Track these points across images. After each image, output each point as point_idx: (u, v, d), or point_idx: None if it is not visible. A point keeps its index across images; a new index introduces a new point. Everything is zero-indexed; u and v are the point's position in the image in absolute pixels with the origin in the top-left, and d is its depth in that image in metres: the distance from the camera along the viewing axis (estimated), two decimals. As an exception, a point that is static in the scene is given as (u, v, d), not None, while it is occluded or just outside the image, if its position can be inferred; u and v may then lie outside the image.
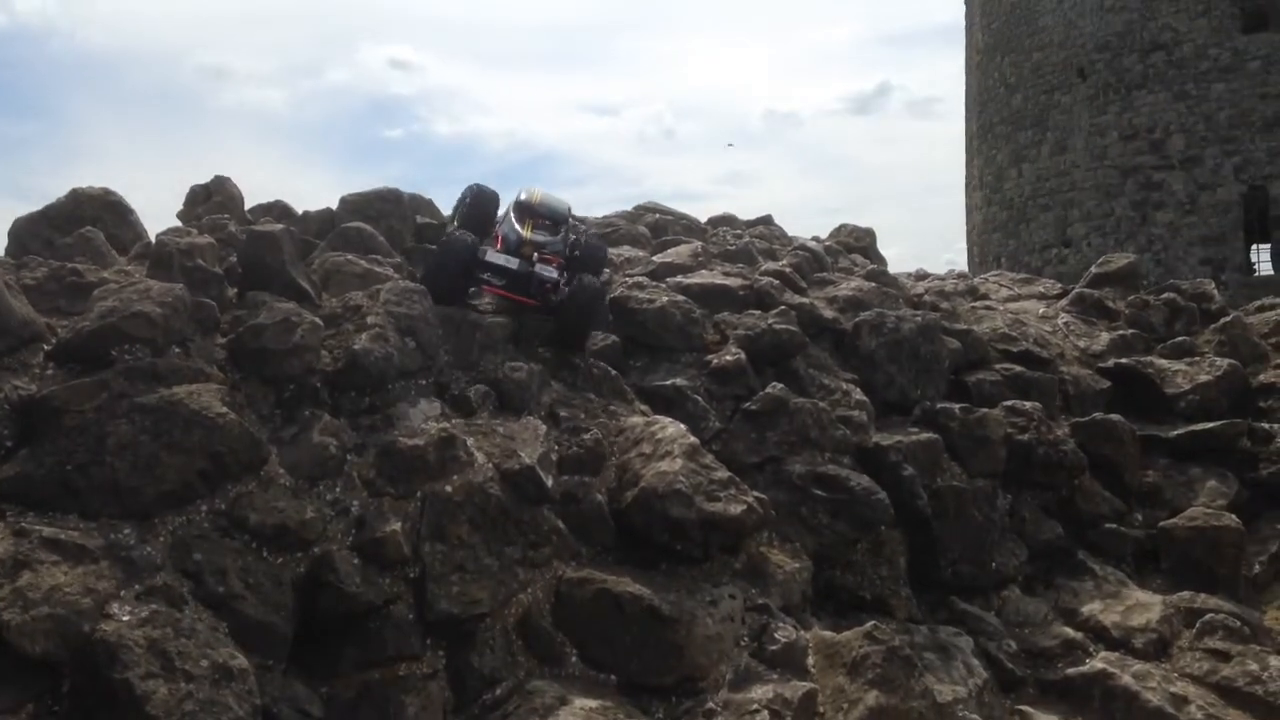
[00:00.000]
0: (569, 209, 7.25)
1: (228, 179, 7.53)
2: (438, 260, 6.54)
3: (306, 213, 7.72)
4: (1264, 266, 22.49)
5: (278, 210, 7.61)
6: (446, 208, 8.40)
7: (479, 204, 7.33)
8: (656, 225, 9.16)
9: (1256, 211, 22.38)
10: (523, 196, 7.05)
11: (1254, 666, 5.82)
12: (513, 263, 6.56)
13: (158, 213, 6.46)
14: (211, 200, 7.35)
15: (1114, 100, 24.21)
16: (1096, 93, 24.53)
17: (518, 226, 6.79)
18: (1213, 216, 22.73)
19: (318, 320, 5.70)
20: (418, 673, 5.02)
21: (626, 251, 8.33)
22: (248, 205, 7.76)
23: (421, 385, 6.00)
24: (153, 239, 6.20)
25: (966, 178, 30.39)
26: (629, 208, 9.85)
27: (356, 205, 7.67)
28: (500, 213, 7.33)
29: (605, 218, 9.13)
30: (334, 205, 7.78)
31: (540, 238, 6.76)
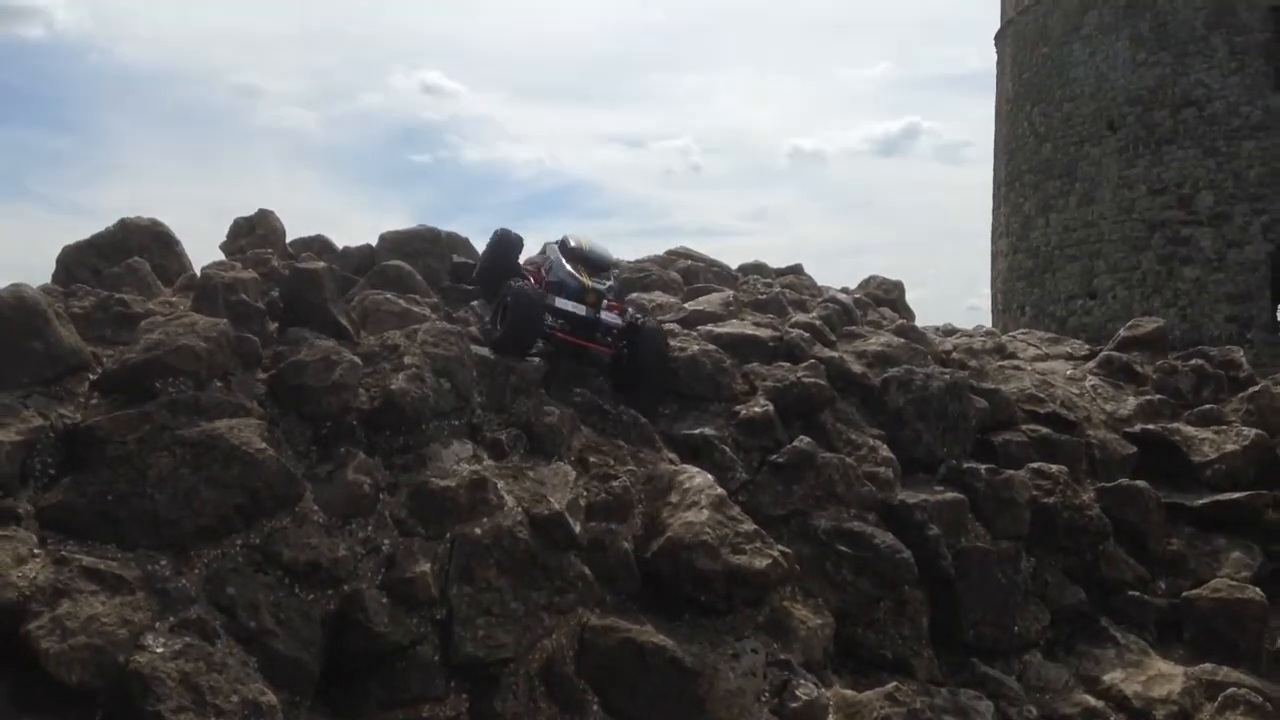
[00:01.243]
0: (613, 257, 7.56)
1: (271, 212, 7.66)
2: (520, 315, 6.58)
3: (346, 249, 7.84)
4: (1240, 357, 22.33)
5: (318, 245, 7.73)
6: (479, 241, 8.53)
7: (504, 246, 7.63)
8: (688, 271, 9.25)
9: None
10: (572, 244, 7.28)
11: (1276, 744, 5.80)
12: (581, 309, 6.81)
13: (191, 231, 6.55)
14: (254, 233, 7.48)
15: (1143, 154, 24.22)
16: (1126, 145, 24.56)
17: (574, 272, 7.00)
18: (1240, 274, 22.66)
19: (356, 359, 5.79)
20: (441, 715, 5.08)
21: (658, 298, 8.41)
22: (288, 237, 7.89)
23: (455, 426, 6.08)
24: (197, 271, 6.32)
25: (993, 225, 30.40)
26: (659, 251, 9.96)
27: (395, 243, 7.79)
28: (540, 255, 7.58)
29: (638, 262, 9.22)
30: (365, 229, 8.06)
31: (601, 285, 6.99)
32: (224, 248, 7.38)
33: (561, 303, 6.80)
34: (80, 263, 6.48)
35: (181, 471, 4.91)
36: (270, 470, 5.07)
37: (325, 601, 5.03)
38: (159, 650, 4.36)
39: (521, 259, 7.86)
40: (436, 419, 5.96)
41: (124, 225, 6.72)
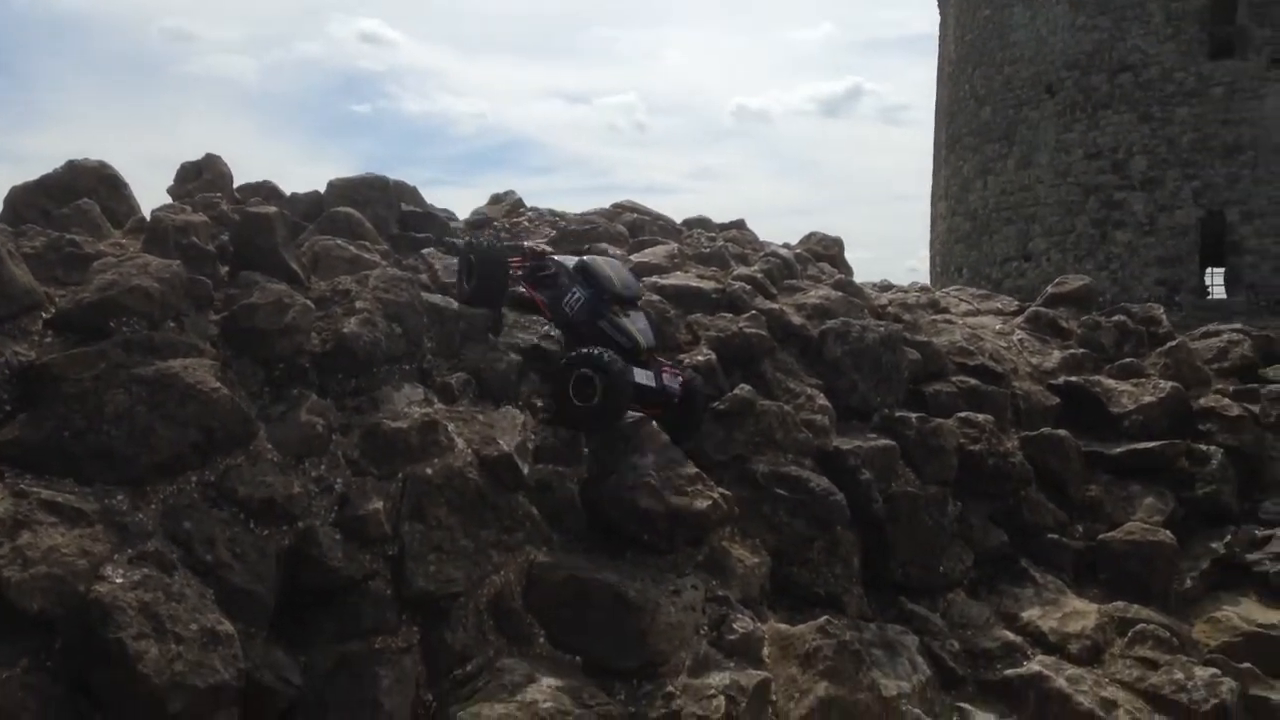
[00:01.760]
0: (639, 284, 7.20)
1: (218, 157, 7.66)
2: (612, 398, 6.04)
3: (295, 195, 7.88)
4: (1217, 290, 23.02)
5: (266, 190, 7.76)
6: (427, 192, 8.61)
7: (494, 265, 6.88)
8: (634, 225, 9.41)
9: (1213, 236, 22.92)
10: (605, 277, 6.69)
11: (1180, 676, 6.19)
12: (651, 379, 6.39)
13: (129, 178, 6.53)
14: (201, 178, 7.49)
15: (1080, 118, 24.57)
16: (1064, 110, 24.91)
17: (625, 328, 6.48)
18: (1170, 239, 23.19)
19: (309, 303, 5.90)
20: (393, 646, 5.25)
21: (606, 250, 8.56)
22: (235, 183, 7.90)
23: (406, 371, 6.22)
24: (146, 214, 6.35)
25: (933, 187, 30.75)
26: (605, 203, 10.09)
27: (344, 190, 7.85)
28: (556, 264, 7.04)
29: (584, 215, 9.36)
30: (304, 179, 8.16)
31: (644, 328, 6.63)
32: (171, 192, 7.38)
33: (640, 376, 6.28)
34: (29, 204, 6.46)
35: (138, 409, 4.99)
36: (225, 409, 5.18)
37: (280, 537, 5.17)
38: (118, 580, 4.47)
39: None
40: (387, 363, 6.10)
41: (72, 167, 6.70)
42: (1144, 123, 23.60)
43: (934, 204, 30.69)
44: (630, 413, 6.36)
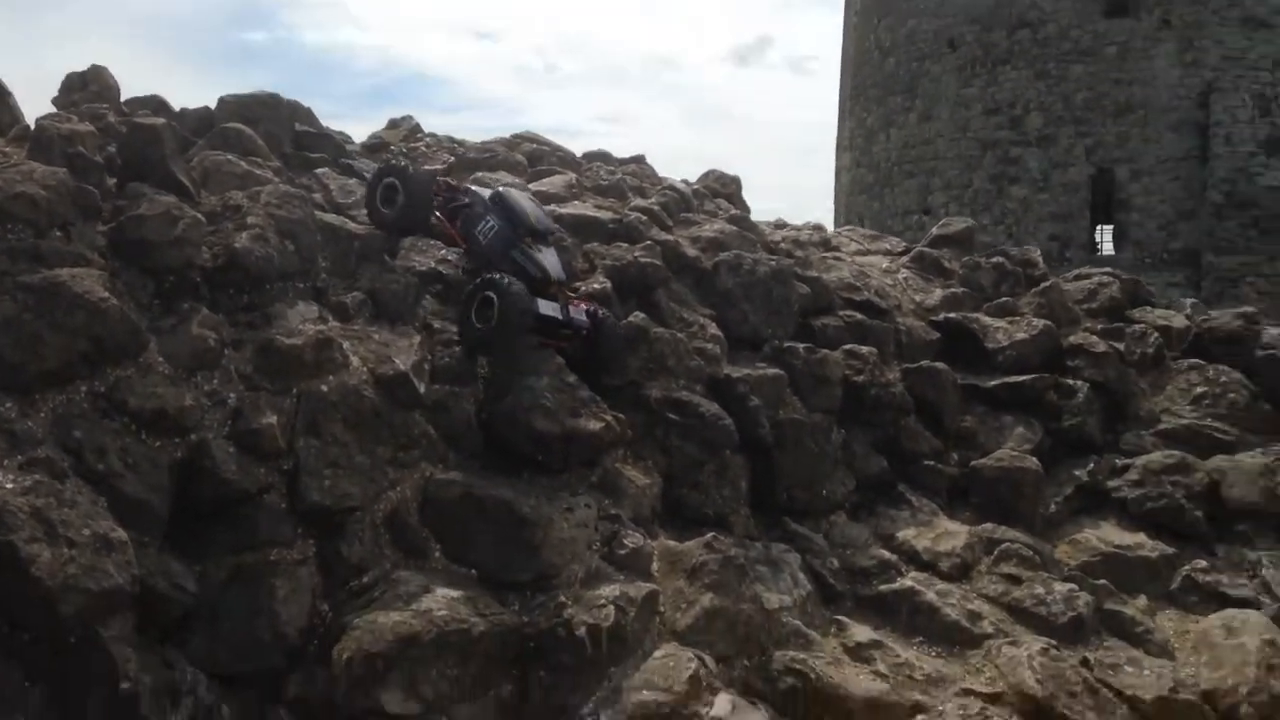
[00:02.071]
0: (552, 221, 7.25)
1: (104, 68, 7.40)
2: (507, 320, 6.15)
3: (184, 110, 7.67)
4: (1106, 246, 23.87)
5: (154, 104, 7.53)
6: (323, 117, 8.48)
7: (423, 191, 6.92)
8: (533, 155, 9.41)
9: (1103, 193, 23.75)
10: (520, 211, 6.77)
11: (1040, 590, 6.61)
12: (557, 310, 6.49)
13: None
14: (88, 89, 7.23)
15: (980, 73, 25.02)
16: (964, 64, 25.32)
17: (533, 258, 6.62)
18: (1063, 195, 23.91)
19: (200, 216, 5.82)
20: (289, 558, 5.31)
21: (504, 178, 8.55)
22: (122, 97, 7.65)
23: (299, 289, 6.20)
24: (31, 123, 6.14)
25: (838, 138, 31.03)
26: (506, 135, 10.05)
27: (235, 108, 7.68)
28: (472, 195, 7.06)
29: (483, 144, 9.32)
30: (196, 106, 7.77)
31: (555, 261, 6.76)
32: (56, 102, 7.12)
33: (544, 307, 6.40)
34: (-99, 108, 6.20)
35: (25, 317, 4.91)
36: (114, 319, 5.12)
37: (172, 449, 5.16)
38: (9, 486, 4.44)
39: None
40: (280, 280, 6.07)
41: (-52, 72, 6.43)
42: (1040, 80, 24.14)
43: (838, 155, 31.00)
44: (542, 344, 6.49)
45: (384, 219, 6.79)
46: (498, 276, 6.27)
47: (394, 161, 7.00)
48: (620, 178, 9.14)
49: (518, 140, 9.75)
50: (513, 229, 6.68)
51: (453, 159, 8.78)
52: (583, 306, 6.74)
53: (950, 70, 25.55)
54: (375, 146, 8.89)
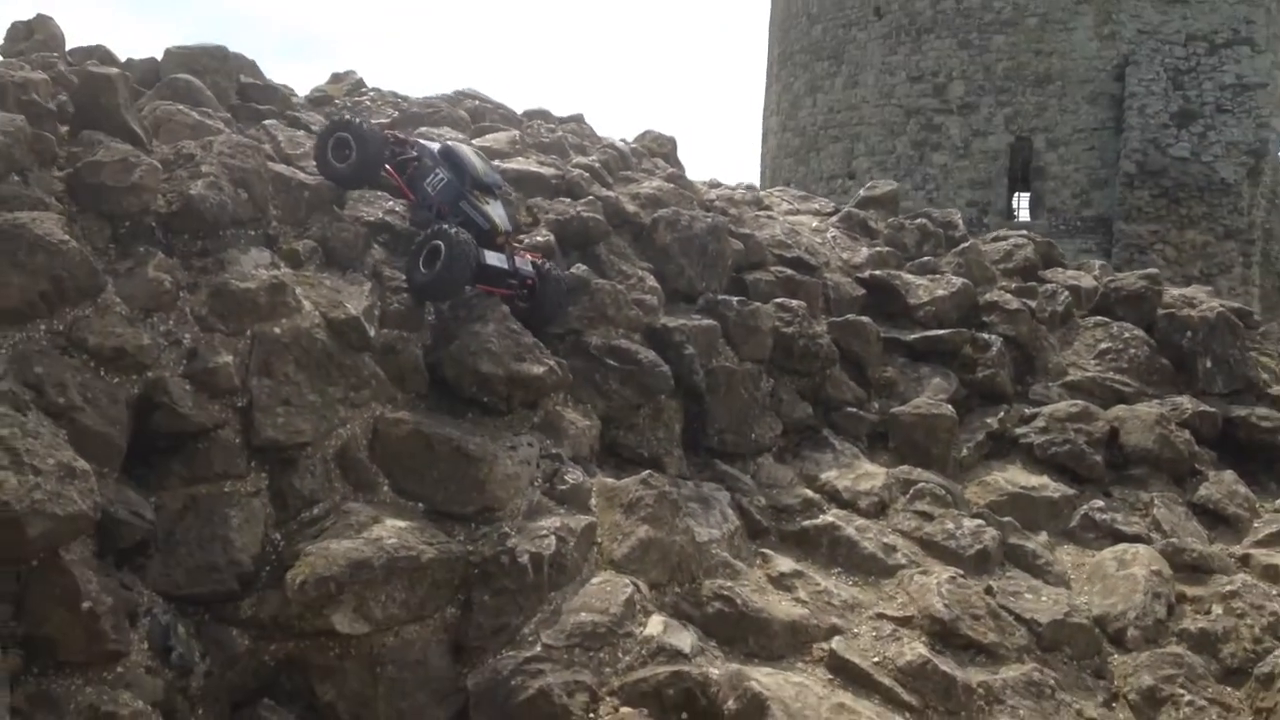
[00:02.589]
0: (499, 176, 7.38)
1: (50, 18, 7.47)
2: (453, 268, 6.37)
3: (130, 60, 7.76)
4: (1023, 213, 24.59)
5: (100, 54, 7.60)
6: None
7: (375, 145, 7.04)
8: (475, 111, 9.63)
9: (1021, 161, 24.40)
10: (468, 164, 6.97)
11: (950, 526, 7.09)
12: (502, 261, 6.74)
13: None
14: (33, 38, 7.31)
15: (905, 41, 25.47)
16: (890, 32, 25.75)
17: (480, 208, 6.84)
18: (982, 162, 24.53)
19: (155, 163, 5.99)
20: (242, 490, 5.58)
21: (447, 133, 8.78)
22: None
23: (251, 235, 6.40)
24: (-20, 69, 6.24)
25: (765, 102, 31.37)
26: (448, 92, 10.23)
27: (182, 59, 7.79)
28: (420, 149, 7.23)
29: (426, 99, 9.51)
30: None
31: (503, 213, 6.99)
32: (3, 51, 7.20)
33: (490, 257, 6.63)
34: None
35: (-14, 257, 5.07)
36: (74, 260, 5.30)
37: (130, 385, 5.37)
38: (-27, 418, 4.63)
39: None
40: (234, 227, 6.26)
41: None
42: (963, 49, 24.64)
43: (766, 119, 31.27)
44: (487, 293, 6.74)
45: (336, 172, 6.97)
46: (446, 227, 6.50)
47: (344, 116, 7.16)
48: (561, 135, 9.41)
49: (460, 96, 9.95)
50: (461, 182, 6.88)
51: (397, 113, 8.98)
52: (528, 258, 6.97)
53: (876, 38, 25.94)
54: (320, 100, 9.04)
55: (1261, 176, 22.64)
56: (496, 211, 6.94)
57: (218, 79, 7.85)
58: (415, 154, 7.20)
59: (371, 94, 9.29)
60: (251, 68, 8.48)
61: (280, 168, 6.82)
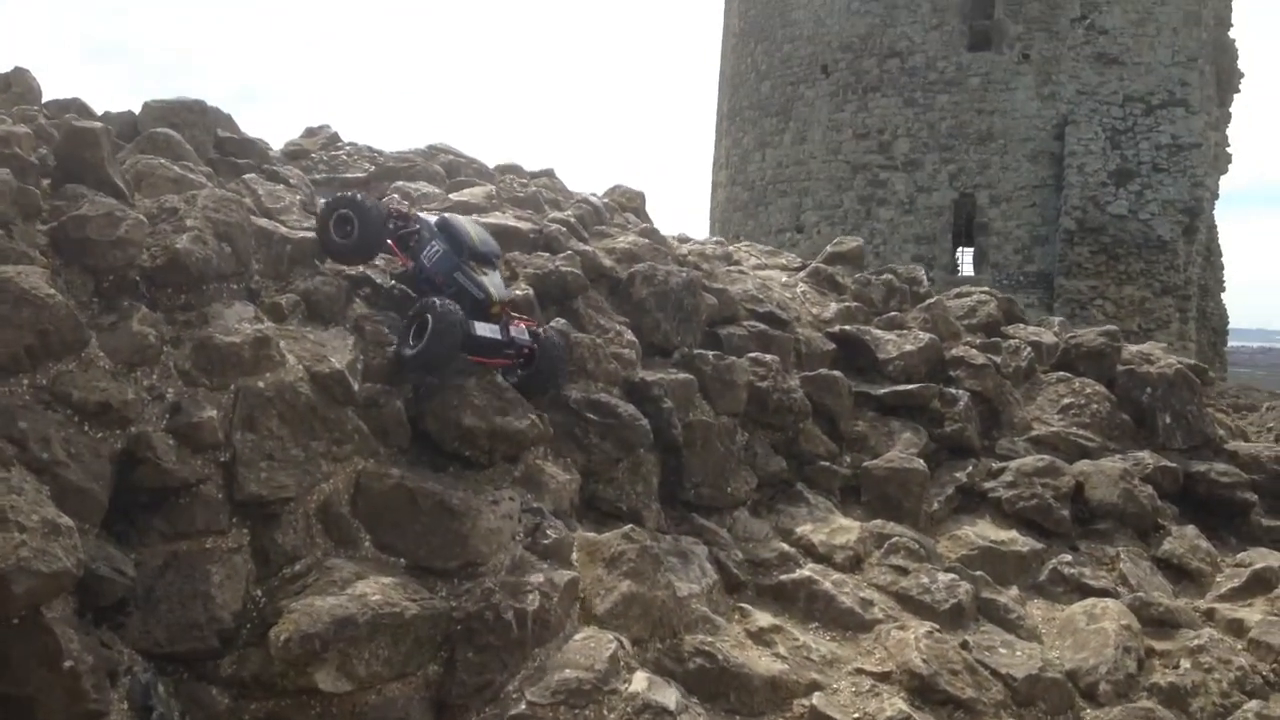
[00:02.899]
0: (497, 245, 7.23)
1: (27, 70, 7.47)
2: (439, 341, 6.29)
3: (107, 113, 7.78)
4: (966, 268, 25.17)
5: (76, 107, 7.61)
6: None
7: (374, 219, 6.95)
8: (450, 165, 9.71)
9: (965, 217, 24.98)
10: (464, 236, 6.89)
11: (925, 580, 7.18)
12: (495, 332, 6.62)
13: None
14: (10, 90, 7.30)
15: (851, 99, 26.10)
16: (837, 90, 26.37)
17: (475, 279, 6.74)
18: (927, 218, 25.10)
19: (142, 218, 5.99)
20: (223, 546, 5.52)
21: (423, 187, 8.85)
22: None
23: (234, 289, 6.40)
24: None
25: (714, 157, 31.84)
26: (421, 146, 10.32)
27: (160, 112, 7.81)
28: (421, 222, 7.13)
29: (400, 153, 9.59)
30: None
31: (504, 290, 6.91)
32: (-19, 102, 7.18)
33: (480, 329, 6.53)
34: None
35: (-30, 311, 5.03)
36: (60, 314, 5.26)
37: (114, 440, 5.32)
38: (-43, 474, 4.57)
39: None
40: (217, 281, 6.25)
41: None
42: (909, 107, 25.29)
43: (715, 173, 31.74)
44: (482, 364, 6.65)
45: (338, 248, 6.89)
46: (434, 299, 6.44)
47: (347, 194, 7.06)
48: (535, 190, 9.51)
49: (434, 151, 10.04)
50: (457, 253, 6.80)
51: (373, 168, 9.04)
52: (523, 325, 6.87)
53: (824, 95, 26.55)
54: (295, 154, 9.09)
55: (1196, 234, 23.31)
56: (493, 281, 6.85)
57: (195, 132, 7.87)
58: (417, 227, 7.11)
59: (348, 148, 9.35)
60: (228, 121, 8.51)
61: (263, 222, 6.84)
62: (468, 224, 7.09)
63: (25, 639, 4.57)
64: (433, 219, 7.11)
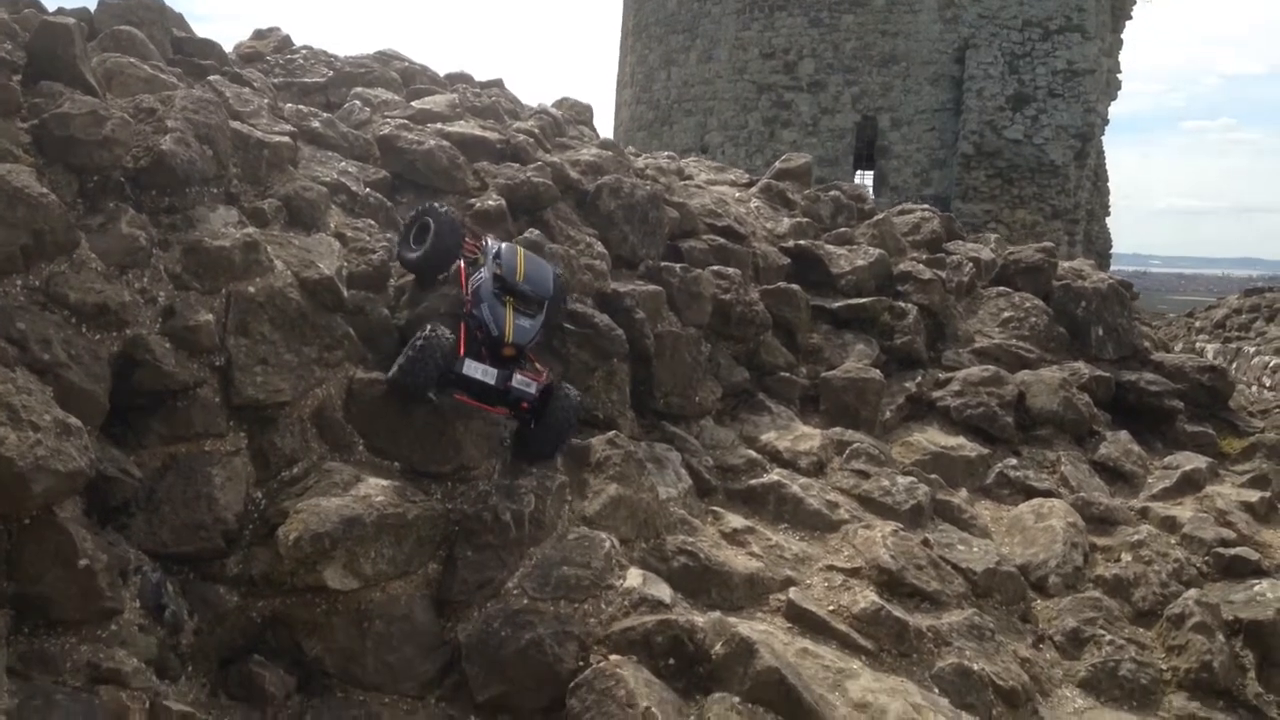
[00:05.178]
0: (553, 276, 6.66)
1: (-21, -38, 7.14)
2: (418, 362, 5.86)
3: (61, 10, 7.47)
4: (867, 192, 25.56)
5: (30, 2, 7.32)
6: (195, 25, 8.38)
7: (446, 233, 6.66)
8: (405, 73, 9.57)
9: (866, 140, 25.31)
10: (512, 272, 6.35)
11: (885, 483, 7.52)
12: (491, 376, 5.99)
13: None
14: (-35, -17, 6.98)
15: (758, 17, 26.03)
16: (744, 8, 26.25)
17: (495, 313, 6.17)
18: (830, 140, 25.35)
19: (127, 116, 5.85)
20: (221, 450, 5.57)
21: (382, 94, 8.73)
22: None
23: (214, 194, 6.32)
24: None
25: (619, 74, 31.51)
26: (371, 53, 10.12)
27: (118, 11, 7.55)
28: (484, 247, 6.73)
29: (356, 58, 9.40)
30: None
31: (525, 326, 6.24)
32: (-68, -5, 6.85)
33: (470, 368, 5.94)
34: None
35: (-37, 209, 4.92)
36: (54, 214, 5.18)
37: (111, 343, 5.29)
38: (-37, 370, 4.52)
39: None
40: (200, 184, 6.17)
41: None
42: (814, 27, 25.33)
43: (619, 91, 31.40)
44: (484, 409, 6.17)
45: (409, 259, 6.68)
46: (427, 328, 6.03)
47: (434, 205, 6.83)
48: (493, 100, 9.45)
49: (387, 57, 9.86)
50: (495, 282, 6.31)
51: (331, 73, 8.87)
52: (529, 378, 6.17)
53: (730, 13, 26.43)
54: (250, 56, 8.86)
55: (1087, 159, 24.06)
56: (522, 323, 6.23)
57: (154, 31, 7.64)
58: (485, 245, 6.77)
59: (304, 53, 9.13)
60: (180, 20, 8.26)
61: (237, 125, 6.72)
62: (520, 258, 6.50)
63: (39, 538, 4.59)
64: (496, 246, 6.61)
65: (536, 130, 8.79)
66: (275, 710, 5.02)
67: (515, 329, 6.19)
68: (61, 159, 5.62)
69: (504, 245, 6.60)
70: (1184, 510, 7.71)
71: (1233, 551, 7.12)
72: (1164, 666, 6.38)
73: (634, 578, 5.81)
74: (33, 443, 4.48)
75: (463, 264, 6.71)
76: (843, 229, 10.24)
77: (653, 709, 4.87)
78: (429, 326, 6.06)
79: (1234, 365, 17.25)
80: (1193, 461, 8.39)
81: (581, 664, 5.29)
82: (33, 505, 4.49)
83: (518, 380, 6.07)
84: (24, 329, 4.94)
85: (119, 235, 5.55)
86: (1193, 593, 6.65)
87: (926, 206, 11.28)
